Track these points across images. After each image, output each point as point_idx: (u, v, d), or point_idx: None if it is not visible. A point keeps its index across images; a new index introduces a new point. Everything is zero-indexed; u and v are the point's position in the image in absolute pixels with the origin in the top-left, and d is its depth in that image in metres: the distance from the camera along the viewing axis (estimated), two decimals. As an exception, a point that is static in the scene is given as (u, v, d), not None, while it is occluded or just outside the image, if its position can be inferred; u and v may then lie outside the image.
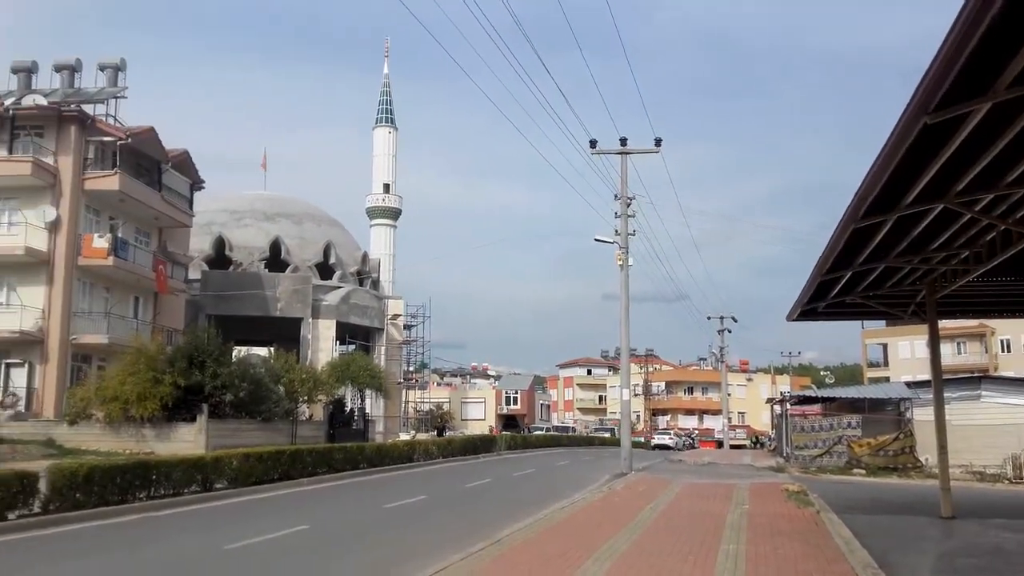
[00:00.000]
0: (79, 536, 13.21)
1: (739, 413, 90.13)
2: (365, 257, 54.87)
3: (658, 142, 30.45)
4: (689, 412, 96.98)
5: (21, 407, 30.84)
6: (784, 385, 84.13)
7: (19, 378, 31.76)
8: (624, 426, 30.94)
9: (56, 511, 14.10)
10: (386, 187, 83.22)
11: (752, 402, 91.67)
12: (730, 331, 65.41)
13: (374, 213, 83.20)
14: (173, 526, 14.61)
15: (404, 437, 40.65)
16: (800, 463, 34.71)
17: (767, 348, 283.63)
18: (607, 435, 75.21)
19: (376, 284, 55.82)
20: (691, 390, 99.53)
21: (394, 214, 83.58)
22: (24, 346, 31.76)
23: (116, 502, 15.44)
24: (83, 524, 14.03)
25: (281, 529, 13.65)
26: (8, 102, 33.62)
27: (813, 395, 45.22)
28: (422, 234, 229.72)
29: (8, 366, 31.97)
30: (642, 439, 72.13)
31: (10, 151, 32.66)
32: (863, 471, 30.97)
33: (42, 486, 14.12)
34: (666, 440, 68.72)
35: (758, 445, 70.75)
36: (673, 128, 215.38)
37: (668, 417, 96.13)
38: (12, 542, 12.30)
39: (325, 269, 49.90)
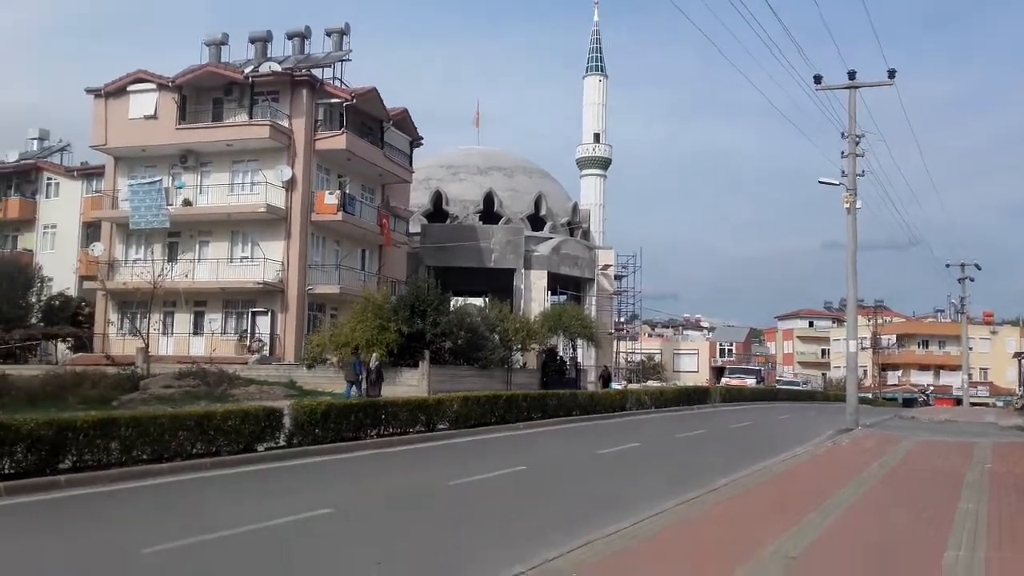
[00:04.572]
0: (320, 468, 14.29)
1: (981, 369, 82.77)
2: (575, 208, 55.05)
3: (891, 73, 28.04)
4: (923, 368, 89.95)
5: (266, 351, 33.78)
6: (1034, 339, 76.34)
7: (263, 325, 34.77)
8: (850, 379, 29.24)
9: (298, 445, 15.34)
10: (596, 136, 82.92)
11: (997, 357, 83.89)
12: (972, 280, 59.15)
13: (584, 163, 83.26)
14: (401, 462, 15.47)
15: (616, 387, 40.68)
16: (1054, 423, 31.40)
17: (1016, 298, 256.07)
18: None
19: (586, 235, 55.94)
20: (926, 344, 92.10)
21: (604, 163, 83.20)
22: (267, 296, 34.68)
23: (350, 438, 16.62)
24: (322, 457, 15.18)
25: (500, 469, 14.08)
26: (247, 70, 36.36)
27: (1071, 349, 40.66)
28: (633, 183, 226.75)
29: (254, 314, 35.04)
30: (870, 395, 68.10)
31: (250, 116, 35.41)
32: None
33: (286, 422, 15.42)
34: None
35: None
36: (909, 62, 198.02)
37: (899, 373, 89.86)
38: (262, 471, 13.49)
39: (536, 220, 50.59)
